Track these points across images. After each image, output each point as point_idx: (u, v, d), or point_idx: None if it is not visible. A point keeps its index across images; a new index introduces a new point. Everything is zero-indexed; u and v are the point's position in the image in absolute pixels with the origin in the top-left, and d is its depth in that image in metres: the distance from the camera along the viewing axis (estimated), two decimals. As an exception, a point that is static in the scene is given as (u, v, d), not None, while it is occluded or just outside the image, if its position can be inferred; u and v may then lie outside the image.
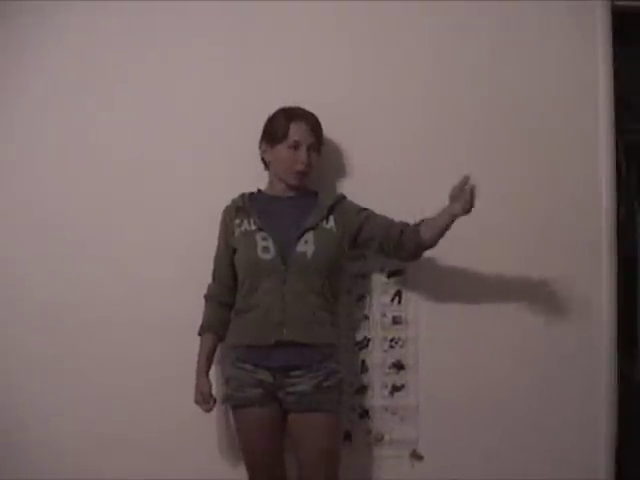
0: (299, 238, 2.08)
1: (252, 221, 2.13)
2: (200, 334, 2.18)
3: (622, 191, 2.52)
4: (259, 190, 2.24)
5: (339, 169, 2.38)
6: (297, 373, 2.05)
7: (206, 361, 2.16)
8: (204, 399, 2.13)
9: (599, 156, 2.39)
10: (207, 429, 2.32)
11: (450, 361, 2.36)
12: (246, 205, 2.17)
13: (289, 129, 2.13)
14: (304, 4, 2.38)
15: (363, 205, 2.21)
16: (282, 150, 2.14)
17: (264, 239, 2.09)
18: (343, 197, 2.22)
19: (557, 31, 2.40)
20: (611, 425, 2.37)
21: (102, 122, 2.39)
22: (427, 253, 2.15)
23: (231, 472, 2.31)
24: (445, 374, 2.35)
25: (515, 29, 2.41)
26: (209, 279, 2.21)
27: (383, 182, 2.35)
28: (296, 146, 2.13)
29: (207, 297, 2.21)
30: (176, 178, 2.38)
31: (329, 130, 2.26)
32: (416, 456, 2.34)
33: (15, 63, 2.40)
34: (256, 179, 2.25)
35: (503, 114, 2.40)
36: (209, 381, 2.14)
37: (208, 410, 2.14)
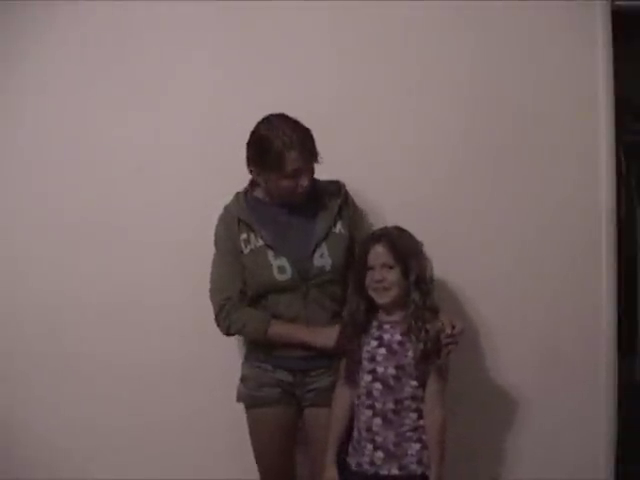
0: (314, 252, 1.99)
1: (258, 236, 2.00)
2: (266, 331, 1.99)
3: (622, 191, 2.52)
4: (250, 191, 2.09)
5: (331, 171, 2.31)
6: (317, 372, 2.03)
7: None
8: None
9: (599, 156, 2.38)
10: (211, 427, 2.33)
11: (451, 360, 2.34)
12: (247, 217, 2.02)
13: (284, 160, 1.91)
14: (301, 4, 2.37)
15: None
16: (278, 180, 1.95)
17: (277, 258, 1.98)
18: (346, 193, 2.10)
19: (557, 31, 2.40)
20: (611, 425, 2.37)
21: (102, 121, 2.39)
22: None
23: (239, 473, 2.27)
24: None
25: (515, 29, 2.40)
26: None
27: (381, 183, 2.34)
28: (295, 175, 1.94)
29: (233, 307, 2.01)
30: (176, 177, 2.38)
31: (322, 131, 2.18)
32: None
33: (16, 58, 2.40)
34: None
35: (503, 114, 2.40)
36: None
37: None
